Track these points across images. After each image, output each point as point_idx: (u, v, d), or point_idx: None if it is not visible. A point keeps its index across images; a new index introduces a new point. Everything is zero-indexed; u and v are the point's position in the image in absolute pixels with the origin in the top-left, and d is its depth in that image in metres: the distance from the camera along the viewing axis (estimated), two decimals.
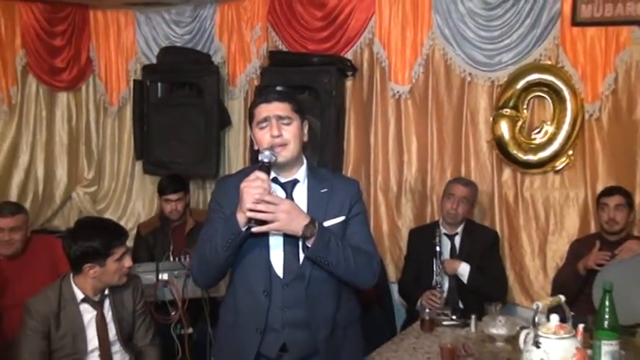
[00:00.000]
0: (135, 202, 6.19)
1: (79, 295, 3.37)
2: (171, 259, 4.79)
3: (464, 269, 4.54)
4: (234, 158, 5.93)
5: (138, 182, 6.19)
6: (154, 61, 5.95)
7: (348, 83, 5.51)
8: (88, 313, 3.39)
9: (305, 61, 5.46)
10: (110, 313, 3.46)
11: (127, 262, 3.44)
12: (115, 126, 6.20)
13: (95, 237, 3.33)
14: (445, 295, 4.52)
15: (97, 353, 3.39)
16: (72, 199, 6.09)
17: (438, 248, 4.61)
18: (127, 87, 6.12)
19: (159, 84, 5.81)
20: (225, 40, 5.89)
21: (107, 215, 5.87)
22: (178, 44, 5.96)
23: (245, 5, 5.77)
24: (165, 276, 4.27)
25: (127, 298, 3.54)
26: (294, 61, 5.49)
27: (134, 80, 5.94)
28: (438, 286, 4.51)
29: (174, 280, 4.27)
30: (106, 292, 3.46)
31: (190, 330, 4.33)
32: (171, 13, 5.99)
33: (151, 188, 6.04)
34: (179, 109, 5.76)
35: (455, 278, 4.57)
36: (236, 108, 5.88)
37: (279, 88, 5.14)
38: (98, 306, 3.41)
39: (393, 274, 5.30)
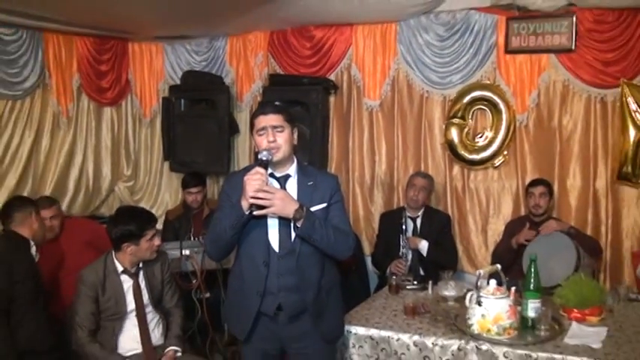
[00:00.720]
0: (164, 194, 6.18)
1: (120, 268, 3.40)
2: (192, 238, 4.83)
3: (424, 245, 4.57)
4: (242, 159, 5.88)
5: (166, 178, 6.16)
6: (179, 82, 5.89)
7: (331, 99, 5.50)
8: (127, 282, 3.42)
9: (297, 81, 5.45)
10: (144, 282, 3.48)
11: (157, 241, 3.46)
12: (148, 133, 6.17)
13: (131, 222, 3.37)
14: (409, 264, 4.54)
15: (134, 313, 3.40)
16: (114, 191, 6.06)
17: (404, 227, 4.67)
18: (157, 103, 6.07)
19: (182, 100, 5.81)
20: (234, 65, 5.84)
21: (142, 204, 5.86)
22: (197, 69, 5.91)
23: (250, 38, 5.74)
24: (187, 252, 4.26)
25: (156, 270, 3.56)
26: (289, 82, 5.48)
27: (163, 97, 5.91)
28: (404, 256, 4.55)
29: (195, 255, 4.27)
30: (140, 265, 3.48)
31: (208, 294, 4.32)
32: (192, 44, 5.95)
33: (176, 183, 6.01)
34: (198, 120, 5.76)
35: (417, 252, 4.58)
36: (243, 119, 5.82)
37: (277, 103, 5.15)
38: (134, 276, 3.44)
39: (367, 249, 5.30)
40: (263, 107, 2.86)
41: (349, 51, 5.40)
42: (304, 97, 5.35)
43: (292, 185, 2.80)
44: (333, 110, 5.54)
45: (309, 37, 5.51)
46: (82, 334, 3.30)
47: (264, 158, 2.66)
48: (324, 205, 2.79)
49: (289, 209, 2.63)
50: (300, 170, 2.85)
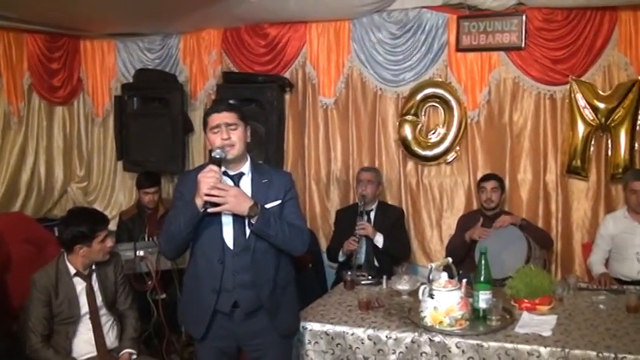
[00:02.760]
0: (117, 194, 6.09)
1: (72, 270, 3.33)
2: (147, 239, 4.76)
3: (379, 238, 4.59)
4: (197, 157, 5.81)
5: (119, 178, 6.07)
6: (131, 80, 5.83)
7: (287, 97, 5.50)
8: (80, 285, 3.35)
9: (252, 79, 5.43)
10: (97, 284, 3.41)
11: (109, 242, 3.40)
12: (101, 133, 6.08)
13: (82, 223, 3.31)
14: (364, 256, 4.55)
15: (88, 316, 3.34)
16: (67, 192, 5.97)
17: (359, 217, 4.62)
18: (109, 101, 6.00)
19: (135, 99, 5.73)
20: (188, 63, 5.80)
21: (95, 205, 5.78)
22: (150, 67, 5.86)
23: (203, 35, 5.70)
24: (141, 252, 4.21)
25: (109, 271, 3.49)
26: (243, 80, 5.46)
27: (115, 96, 5.84)
28: (357, 235, 4.51)
29: (149, 255, 4.22)
30: (93, 267, 3.41)
31: (163, 295, 4.25)
32: (145, 42, 5.90)
33: (130, 183, 5.93)
34: (151, 119, 5.68)
35: (372, 244, 4.59)
36: (197, 117, 5.72)
37: (231, 102, 5.03)
38: (87, 278, 3.37)
39: (324, 245, 5.24)
40: (216, 105, 2.90)
41: (303, 49, 5.42)
42: (259, 95, 5.33)
43: (246, 183, 2.80)
44: (289, 108, 5.55)
45: (263, 34, 5.51)
46: (36, 339, 3.23)
47: (217, 156, 2.66)
48: (279, 202, 2.80)
49: (243, 206, 2.64)
50: (254, 168, 2.86)
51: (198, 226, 2.71)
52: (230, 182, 2.75)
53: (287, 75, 5.49)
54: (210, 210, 2.63)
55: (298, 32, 5.42)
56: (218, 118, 2.73)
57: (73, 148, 6.01)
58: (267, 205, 2.74)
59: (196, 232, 2.73)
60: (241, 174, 2.80)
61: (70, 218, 3.43)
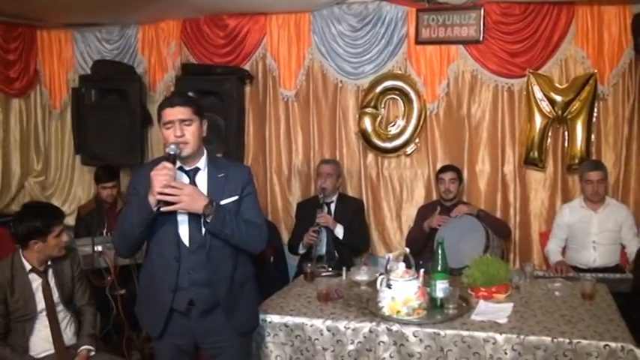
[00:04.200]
0: (76, 188, 6.00)
1: (28, 266, 3.27)
2: (105, 234, 4.68)
3: (339, 229, 4.61)
4: (156, 150, 5.71)
5: (77, 172, 5.98)
6: (89, 72, 5.73)
7: (247, 89, 5.47)
8: (36, 281, 3.29)
9: (211, 71, 5.39)
10: (53, 280, 3.35)
11: (64, 237, 3.34)
12: (58, 126, 5.99)
13: (37, 218, 3.24)
14: (325, 248, 4.59)
15: (44, 313, 3.27)
16: (25, 187, 5.90)
17: (320, 209, 4.64)
18: (67, 93, 5.90)
19: (92, 91, 5.60)
20: (147, 55, 5.72)
21: (53, 200, 5.72)
22: (108, 58, 5.77)
23: (162, 26, 5.64)
24: (99, 248, 4.13)
25: (66, 267, 3.42)
26: (202, 72, 5.41)
27: (72, 88, 5.76)
28: (317, 227, 4.52)
29: (108, 250, 4.13)
30: (49, 262, 3.34)
31: (122, 291, 4.19)
32: (102, 32, 5.80)
33: (88, 177, 5.83)
34: (109, 111, 5.58)
35: (332, 235, 4.60)
36: (156, 110, 5.64)
37: (190, 94, 4.92)
38: (43, 274, 3.31)
39: (286, 239, 5.21)
40: (170, 99, 2.75)
41: (264, 40, 5.41)
42: (218, 87, 5.30)
43: (202, 178, 2.73)
44: (249, 100, 5.52)
45: (223, 25, 5.48)
46: None
47: (171, 152, 2.58)
48: (236, 197, 2.74)
49: (198, 205, 2.58)
50: (211, 162, 2.78)
51: (153, 224, 2.64)
52: (185, 178, 2.69)
53: (247, 67, 5.46)
54: (163, 209, 2.55)
55: (258, 24, 5.40)
56: (171, 113, 2.64)
57: (30, 142, 5.93)
58: (224, 201, 2.68)
59: (151, 229, 2.66)
60: (197, 169, 2.73)
61: (25, 213, 3.35)
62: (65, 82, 5.96)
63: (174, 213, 2.62)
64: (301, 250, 4.68)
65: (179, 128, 2.61)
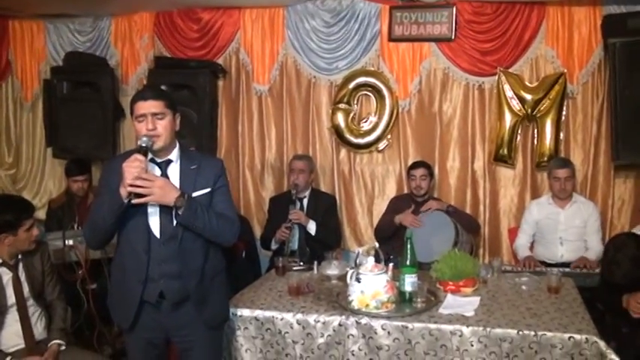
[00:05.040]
0: (47, 182, 5.95)
1: None
2: (77, 227, 4.59)
3: (311, 225, 4.65)
4: (128, 144, 5.67)
5: (49, 165, 5.94)
6: (61, 63, 5.68)
7: (220, 83, 5.49)
8: (6, 275, 3.24)
9: (184, 65, 5.40)
10: (23, 274, 3.31)
11: (35, 231, 3.31)
12: (30, 118, 5.95)
13: (7, 211, 3.22)
14: (297, 243, 4.61)
15: (15, 308, 3.26)
16: None
17: (292, 204, 4.67)
18: (38, 85, 5.85)
19: (64, 83, 5.55)
20: (119, 47, 5.70)
21: (24, 193, 5.68)
22: (81, 49, 5.72)
23: (135, 19, 5.62)
24: (70, 242, 4.12)
25: (36, 261, 3.41)
26: (175, 65, 5.42)
27: (44, 80, 5.70)
28: (289, 223, 4.54)
29: (79, 244, 4.12)
30: (19, 256, 3.32)
31: (94, 285, 4.17)
32: (75, 24, 5.75)
33: (59, 170, 5.79)
34: (81, 104, 5.52)
35: (304, 231, 4.64)
36: (128, 103, 5.58)
37: (163, 88, 4.94)
38: (13, 268, 3.25)
39: (258, 233, 5.24)
40: (142, 92, 2.76)
41: (237, 35, 5.43)
42: (191, 81, 5.31)
43: (174, 170, 2.74)
44: (222, 95, 5.54)
45: (196, 19, 5.49)
46: None
47: (143, 144, 2.59)
48: (208, 189, 2.75)
49: (169, 197, 2.59)
50: (183, 155, 2.79)
51: (123, 215, 2.64)
52: (157, 170, 2.70)
53: (220, 61, 5.49)
54: (135, 201, 2.56)
55: (232, 18, 5.42)
56: (143, 107, 2.64)
57: (1, 134, 5.89)
58: (195, 194, 2.70)
59: (121, 221, 2.66)
60: (169, 161, 2.73)
61: None
62: (37, 73, 5.91)
63: (145, 205, 2.63)
64: (273, 246, 4.70)
65: (151, 121, 2.62)
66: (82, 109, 5.53)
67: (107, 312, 4.07)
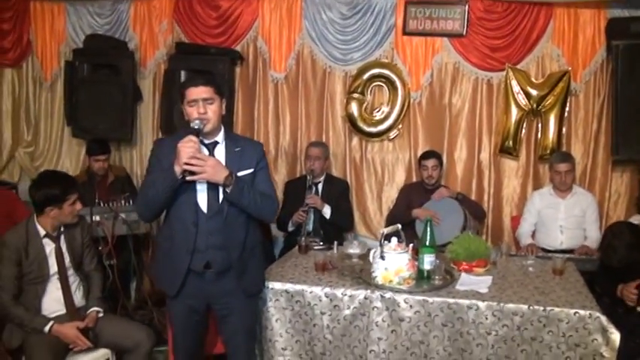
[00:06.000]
0: (64, 160, 6.11)
1: (42, 232, 3.47)
2: (101, 204, 4.75)
3: (327, 209, 4.91)
4: (145, 126, 5.96)
5: (66, 144, 6.12)
6: (80, 45, 5.82)
7: (237, 70, 5.68)
8: (49, 246, 3.48)
9: (204, 51, 5.58)
10: (65, 245, 3.55)
11: (78, 205, 3.53)
12: (49, 98, 6.09)
13: (55, 186, 3.44)
14: (312, 225, 4.87)
15: (56, 277, 3.48)
16: (15, 157, 6.04)
17: (310, 193, 4.91)
18: (58, 66, 5.99)
19: (85, 65, 5.69)
20: (138, 31, 5.86)
21: (41, 170, 5.70)
22: (100, 32, 5.86)
23: (155, 4, 5.80)
24: (97, 217, 4.36)
25: (77, 233, 3.64)
26: (196, 51, 5.59)
27: (65, 61, 5.84)
28: (306, 207, 4.81)
29: (105, 220, 4.37)
30: (62, 229, 3.54)
31: (113, 261, 4.36)
32: (95, 6, 5.89)
33: (76, 149, 6.03)
34: (101, 86, 5.68)
35: (319, 214, 4.91)
36: (146, 86, 5.88)
37: (183, 72, 5.32)
38: (56, 240, 3.51)
39: None
40: (194, 79, 3.01)
41: (255, 23, 5.64)
42: (211, 67, 5.45)
43: (220, 151, 3.00)
44: (239, 81, 5.75)
45: (215, 6, 5.69)
46: (6, 297, 3.36)
47: (196, 127, 2.84)
48: (251, 170, 3.01)
49: (220, 176, 2.85)
50: (228, 137, 3.06)
51: (175, 191, 2.89)
52: (205, 151, 2.94)
53: (238, 48, 5.68)
54: (188, 178, 2.82)
55: (251, 6, 5.62)
56: (195, 92, 2.90)
57: (20, 112, 6.03)
58: (240, 173, 2.95)
59: (173, 196, 2.91)
60: (216, 143, 2.99)
61: (42, 180, 3.56)
62: (57, 54, 6.05)
63: (193, 182, 2.89)
64: (290, 228, 4.96)
65: (202, 106, 2.89)
66: (101, 90, 5.70)
67: (126, 286, 4.38)
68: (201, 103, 2.90)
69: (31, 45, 6.07)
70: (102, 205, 4.80)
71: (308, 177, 5.03)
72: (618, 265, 3.61)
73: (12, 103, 5.95)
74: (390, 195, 5.48)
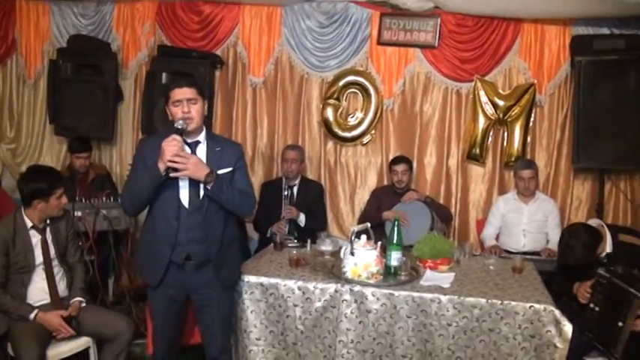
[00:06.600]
0: (45, 157, 6.22)
1: (29, 224, 3.61)
2: (82, 200, 4.87)
3: (302, 218, 5.10)
4: (125, 126, 6.11)
5: (47, 141, 6.24)
6: (64, 44, 5.96)
7: (217, 73, 5.86)
8: (35, 237, 3.63)
9: (186, 54, 5.75)
10: (50, 237, 3.70)
11: (64, 199, 3.67)
12: (31, 95, 6.22)
13: (42, 180, 3.58)
14: (287, 229, 5.01)
15: (42, 267, 3.63)
16: None
17: (285, 193, 5.16)
18: (41, 64, 6.13)
19: (69, 64, 5.80)
20: (121, 33, 6.01)
21: (23, 166, 5.84)
22: (83, 32, 5.98)
23: (138, 6, 5.95)
24: (79, 213, 4.50)
25: (62, 226, 3.78)
26: (178, 54, 5.75)
27: (50, 60, 5.96)
28: (284, 219, 5.02)
29: (87, 216, 4.51)
30: (48, 221, 3.69)
31: (92, 257, 4.45)
32: (79, 7, 6.03)
33: (57, 146, 6.14)
34: (84, 85, 5.80)
35: (294, 221, 5.10)
36: (128, 86, 6.02)
37: (165, 74, 5.49)
38: (42, 232, 3.65)
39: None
40: (178, 81, 3.17)
41: (236, 29, 5.83)
42: (192, 70, 5.60)
43: (202, 150, 3.18)
44: (219, 84, 5.93)
45: (198, 11, 5.86)
46: None
47: (179, 127, 3.02)
48: (230, 169, 3.20)
49: (201, 173, 3.03)
50: (209, 137, 3.25)
51: (158, 187, 3.06)
52: (188, 149, 3.11)
53: (218, 52, 5.85)
54: (172, 175, 3.00)
55: (232, 12, 5.81)
56: (180, 93, 3.07)
57: (4, 109, 6.13)
58: (220, 171, 3.13)
59: (156, 192, 3.09)
60: (197, 142, 3.18)
61: (30, 174, 3.70)
62: (40, 53, 6.18)
63: (176, 179, 3.07)
64: (269, 235, 5.06)
65: (186, 105, 3.08)
66: (84, 89, 5.82)
67: (105, 280, 4.47)
68: (185, 103, 3.08)
69: (16, 43, 6.17)
70: (83, 201, 4.90)
71: (284, 179, 5.22)
72: (574, 264, 3.77)
73: None
74: (363, 197, 5.68)
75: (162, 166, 2.99)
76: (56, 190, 3.65)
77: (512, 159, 5.40)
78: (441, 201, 5.55)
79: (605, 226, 3.89)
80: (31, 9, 6.16)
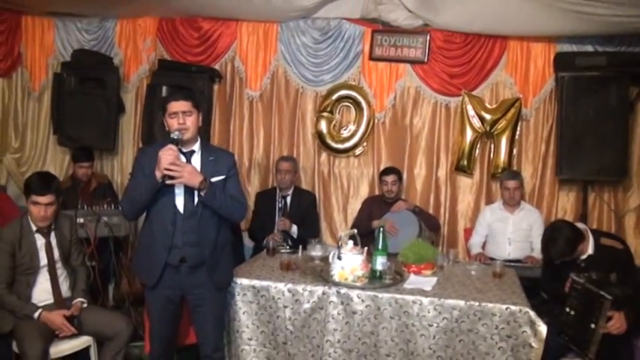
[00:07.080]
0: (49, 166, 6.33)
1: (34, 227, 3.77)
2: (85, 208, 5.00)
3: (294, 229, 5.25)
4: (126, 137, 6.30)
5: (51, 151, 6.41)
6: (68, 58, 6.12)
7: (215, 87, 6.07)
8: (40, 240, 3.78)
9: (185, 68, 5.93)
10: (55, 241, 3.85)
11: (37, 208, 3.73)
12: (36, 107, 6.41)
13: (34, 180, 3.76)
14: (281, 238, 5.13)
15: (46, 268, 3.79)
16: (2, 162, 6.28)
17: (279, 205, 5.33)
18: (46, 77, 6.32)
19: (72, 77, 5.96)
20: (123, 47, 6.23)
21: (26, 176, 5.93)
22: (86, 47, 6.19)
23: (139, 22, 6.16)
24: (81, 220, 4.65)
25: (66, 231, 3.94)
26: (177, 68, 5.93)
27: (54, 73, 6.14)
28: (278, 232, 5.17)
29: (89, 223, 4.66)
30: (52, 226, 3.84)
31: (93, 263, 4.57)
32: (83, 23, 6.26)
33: (61, 157, 6.32)
34: (87, 97, 5.96)
35: (286, 232, 5.23)
36: (129, 99, 6.21)
37: (165, 88, 5.63)
38: (47, 235, 3.81)
39: (244, 224, 5.64)
40: (175, 95, 3.36)
41: (234, 44, 6.04)
42: (191, 84, 5.79)
43: (196, 159, 3.36)
44: (217, 97, 6.12)
45: (197, 27, 6.07)
46: (1, 285, 3.67)
47: (175, 137, 3.20)
48: (223, 176, 3.37)
49: (195, 180, 3.21)
50: (204, 147, 3.42)
51: (155, 194, 3.24)
52: (183, 158, 3.27)
53: (216, 67, 6.05)
54: (168, 182, 3.18)
55: (230, 28, 6.02)
56: (176, 105, 3.26)
57: (9, 120, 6.31)
58: (213, 179, 3.30)
59: (153, 198, 3.27)
60: (192, 151, 3.36)
61: (31, 174, 3.93)
62: (45, 66, 6.37)
63: (172, 186, 3.25)
64: (264, 244, 5.13)
65: (182, 118, 3.26)
66: (87, 102, 5.99)
67: (105, 286, 4.60)
68: (180, 115, 3.26)
69: (21, 57, 6.36)
70: (85, 208, 5.04)
71: (277, 189, 5.40)
72: (556, 258, 3.84)
73: (1, 111, 6.22)
74: (355, 207, 5.82)
75: (159, 174, 3.17)
76: (32, 196, 3.74)
77: (499, 170, 5.55)
78: (431, 210, 5.71)
79: (589, 230, 3.98)
80: (37, 24, 6.35)
